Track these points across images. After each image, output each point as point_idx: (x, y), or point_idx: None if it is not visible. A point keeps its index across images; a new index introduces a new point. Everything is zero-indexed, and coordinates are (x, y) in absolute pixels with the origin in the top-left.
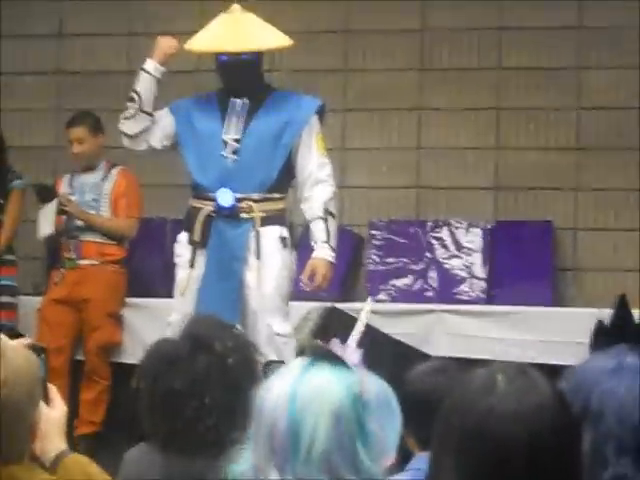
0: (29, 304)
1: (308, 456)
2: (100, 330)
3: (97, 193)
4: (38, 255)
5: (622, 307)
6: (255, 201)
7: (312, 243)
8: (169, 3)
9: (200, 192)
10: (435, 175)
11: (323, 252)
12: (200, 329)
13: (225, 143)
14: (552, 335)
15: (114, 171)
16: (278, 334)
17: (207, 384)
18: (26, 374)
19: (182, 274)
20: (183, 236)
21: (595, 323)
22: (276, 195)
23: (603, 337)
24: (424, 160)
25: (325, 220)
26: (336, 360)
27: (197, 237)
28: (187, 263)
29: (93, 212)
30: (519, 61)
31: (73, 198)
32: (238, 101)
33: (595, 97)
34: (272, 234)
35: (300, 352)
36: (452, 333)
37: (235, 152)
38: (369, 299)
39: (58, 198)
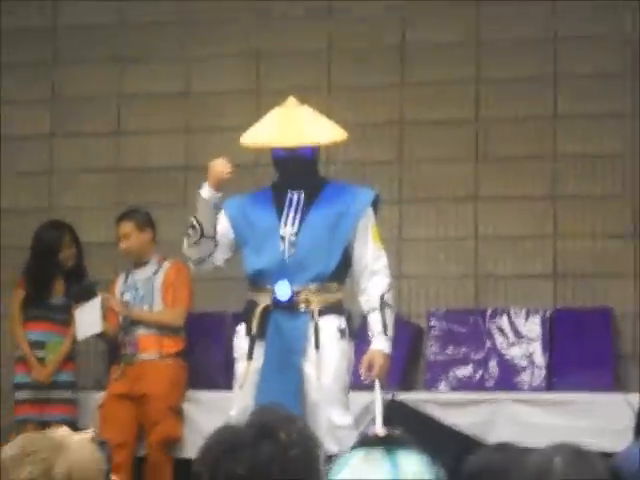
0: (90, 400)
1: None
2: (161, 425)
3: (149, 288)
4: (100, 351)
5: None
6: (313, 292)
7: (369, 334)
8: (225, 98)
9: (257, 285)
10: (493, 263)
11: (380, 343)
12: (266, 418)
13: (282, 237)
14: (614, 422)
15: (165, 264)
16: (338, 426)
17: (269, 473)
18: (91, 467)
19: (241, 367)
20: (241, 328)
21: (638, 406)
22: (334, 286)
23: None
24: (482, 248)
25: (382, 311)
26: (410, 447)
27: (255, 329)
28: (245, 355)
29: (146, 307)
30: (574, 148)
31: (127, 295)
32: (295, 194)
33: None
34: (330, 325)
35: (368, 442)
36: (513, 422)
37: (292, 245)
38: (376, 382)
39: (101, 296)
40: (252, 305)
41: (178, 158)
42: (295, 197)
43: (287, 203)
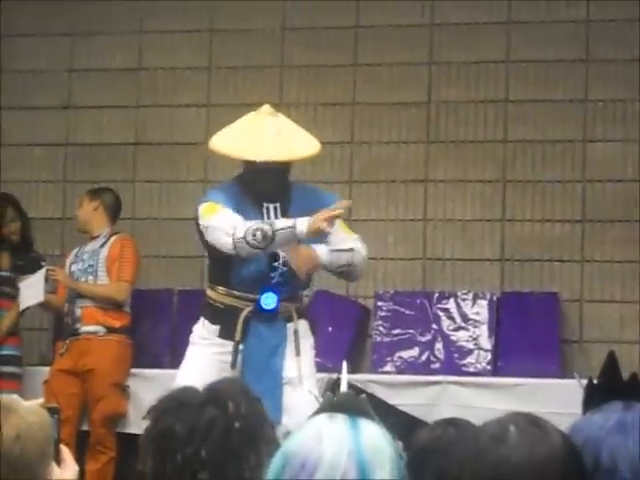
0: (36, 375)
1: None
2: (105, 400)
3: (94, 260)
4: (45, 326)
5: (611, 365)
6: (289, 301)
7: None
8: (177, 75)
9: (240, 291)
10: (441, 247)
11: (322, 251)
12: (222, 387)
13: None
14: (558, 407)
15: (112, 238)
16: (317, 397)
17: (207, 437)
18: (39, 432)
19: (201, 356)
20: (210, 328)
21: (587, 382)
22: (306, 291)
23: (595, 395)
24: (430, 232)
25: (344, 252)
26: (372, 416)
27: (239, 337)
28: (204, 344)
29: (91, 278)
30: (525, 134)
31: (74, 267)
32: (272, 207)
33: (600, 170)
34: (303, 325)
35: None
36: (458, 405)
37: (284, 261)
38: (344, 364)
39: (45, 268)
40: (232, 311)
41: (128, 134)
42: (272, 210)
43: (265, 216)
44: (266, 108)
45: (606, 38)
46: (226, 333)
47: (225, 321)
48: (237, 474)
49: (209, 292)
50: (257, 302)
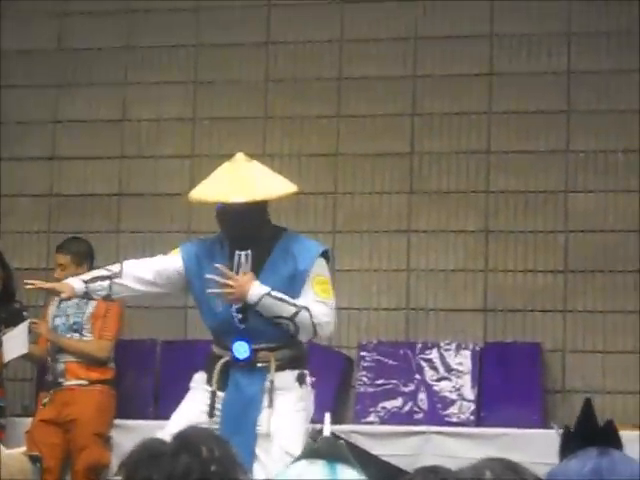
0: (18, 426)
1: None
2: (88, 451)
3: (79, 316)
4: (28, 377)
5: (588, 412)
6: (272, 350)
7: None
8: (161, 126)
9: (217, 340)
10: (424, 297)
11: (261, 287)
12: (192, 433)
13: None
14: (541, 457)
15: None
16: (291, 454)
17: None
18: (20, 478)
19: (190, 401)
20: (202, 375)
21: (563, 429)
22: (292, 341)
23: (572, 441)
24: (413, 282)
25: (292, 306)
26: (352, 462)
27: (214, 386)
28: (207, 410)
29: (76, 335)
30: (507, 184)
31: (57, 320)
32: (243, 254)
33: (582, 220)
34: (287, 378)
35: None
36: (441, 455)
37: (242, 310)
38: (327, 414)
39: (28, 321)
40: (214, 358)
41: (113, 185)
42: (243, 257)
43: (236, 263)
44: (240, 156)
45: (587, 89)
46: (210, 381)
47: (210, 369)
48: None
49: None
50: (231, 351)
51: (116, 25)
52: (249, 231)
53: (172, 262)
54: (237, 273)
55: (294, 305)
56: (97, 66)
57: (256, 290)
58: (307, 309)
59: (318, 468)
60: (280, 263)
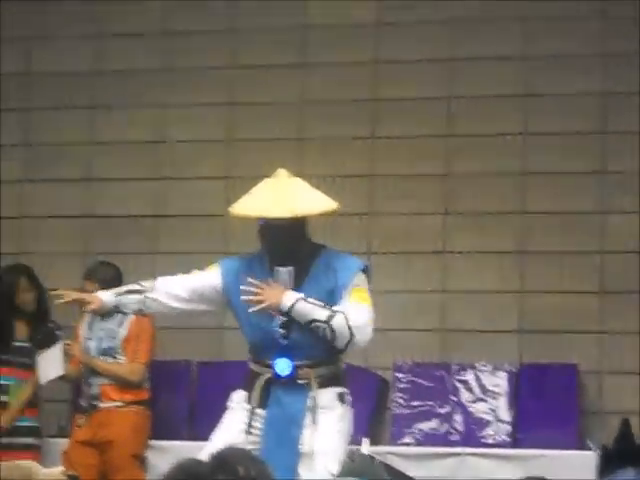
0: (54, 446)
1: None
2: (124, 472)
3: (112, 340)
4: (64, 397)
5: (625, 432)
6: (312, 367)
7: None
8: (197, 147)
9: (257, 357)
10: (460, 318)
11: (293, 294)
12: (228, 454)
13: (274, 316)
14: (577, 478)
15: (130, 316)
16: (332, 473)
17: None
18: None
19: (229, 420)
20: (241, 395)
21: (600, 448)
22: (333, 357)
23: (609, 461)
24: (449, 303)
25: (328, 309)
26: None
27: (255, 403)
28: (244, 428)
29: (110, 359)
30: (542, 205)
31: (90, 343)
32: (282, 269)
33: (618, 241)
34: (328, 394)
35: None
36: (477, 477)
37: (285, 326)
38: (364, 439)
39: (62, 342)
40: (253, 375)
41: (149, 206)
42: (282, 273)
43: (275, 278)
44: (281, 171)
45: (623, 109)
46: (250, 399)
47: (250, 387)
48: None
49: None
50: (273, 368)
51: (153, 46)
52: (290, 247)
53: (209, 278)
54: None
55: (329, 309)
56: (133, 87)
57: (290, 295)
58: (343, 312)
59: None
60: (322, 278)
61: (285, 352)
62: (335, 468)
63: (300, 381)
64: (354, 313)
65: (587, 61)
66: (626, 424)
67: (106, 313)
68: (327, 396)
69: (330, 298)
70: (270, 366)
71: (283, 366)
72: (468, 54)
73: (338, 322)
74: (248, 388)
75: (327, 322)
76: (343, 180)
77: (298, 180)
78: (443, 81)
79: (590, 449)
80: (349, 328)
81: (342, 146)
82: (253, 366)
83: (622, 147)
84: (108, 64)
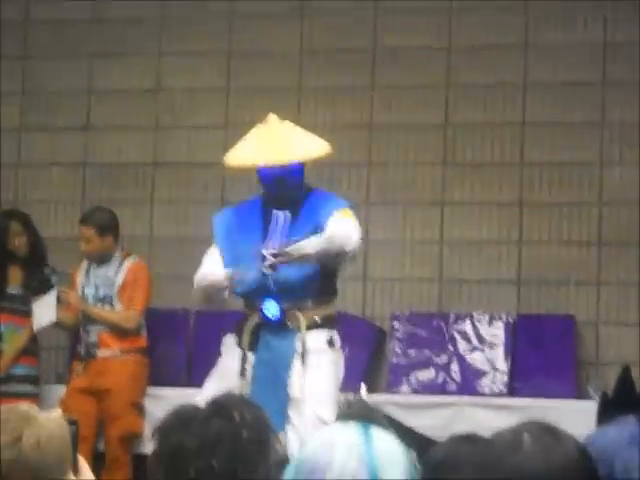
0: (52, 394)
1: None
2: (121, 420)
3: (109, 289)
4: (62, 345)
5: (626, 379)
6: (301, 309)
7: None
8: (196, 96)
9: (247, 302)
10: (458, 268)
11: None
12: (224, 399)
13: (265, 258)
14: (573, 428)
15: (126, 263)
16: (326, 421)
17: (216, 448)
18: (58, 440)
19: (222, 365)
20: (232, 338)
21: (600, 396)
22: (322, 300)
23: (609, 409)
24: (447, 253)
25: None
26: (385, 425)
27: (245, 346)
28: (229, 353)
29: (106, 306)
30: (542, 156)
31: (87, 290)
32: (281, 215)
33: (617, 192)
34: (318, 338)
35: (347, 416)
36: (473, 426)
37: (274, 267)
38: (362, 385)
39: (57, 289)
40: (244, 320)
41: (147, 155)
42: (281, 217)
43: (273, 223)
44: (272, 117)
45: (623, 60)
46: (241, 342)
47: (241, 331)
48: None
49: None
50: (262, 312)
51: None
52: (288, 191)
53: (218, 258)
54: (274, 232)
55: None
56: (132, 36)
57: (312, 242)
58: (328, 226)
59: (352, 430)
60: (311, 217)
61: (274, 296)
62: (324, 413)
63: (289, 325)
64: (338, 223)
65: (588, 10)
66: (627, 371)
67: (103, 260)
68: (316, 340)
69: (314, 234)
70: (259, 310)
71: (271, 309)
72: (469, 3)
73: (325, 234)
74: (239, 332)
75: (339, 245)
76: (342, 130)
77: (289, 124)
78: (443, 30)
79: (591, 396)
80: (334, 236)
81: (341, 96)
82: (244, 310)
83: (622, 98)
84: (107, 12)
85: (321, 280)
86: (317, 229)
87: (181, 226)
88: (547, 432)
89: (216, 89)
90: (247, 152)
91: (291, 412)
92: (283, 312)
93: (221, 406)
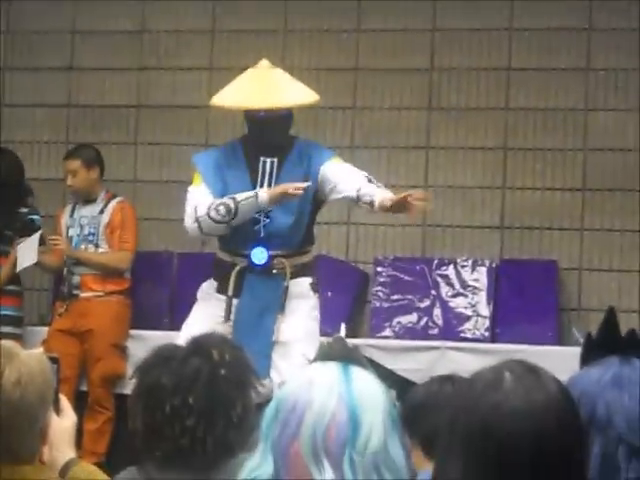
0: (35, 335)
1: (364, 452)
2: (104, 361)
3: (94, 227)
4: (45, 286)
5: (610, 320)
6: (286, 256)
7: (368, 199)
8: (180, 38)
9: (232, 248)
10: (441, 213)
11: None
12: (204, 338)
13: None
14: (555, 374)
15: (112, 203)
16: (308, 358)
17: (193, 386)
18: (39, 377)
19: (200, 310)
20: (212, 285)
21: (585, 336)
22: (305, 247)
23: (593, 350)
24: (431, 198)
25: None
26: (365, 364)
27: (231, 292)
28: (220, 318)
29: (91, 246)
30: (527, 102)
31: (71, 231)
32: (268, 161)
33: (601, 138)
34: (302, 284)
35: (326, 356)
36: (455, 370)
37: (265, 214)
38: (342, 324)
39: (41, 231)
40: (227, 266)
41: (131, 97)
42: (268, 164)
43: (260, 170)
44: (264, 62)
45: (609, 7)
46: (223, 288)
47: (223, 277)
48: (225, 420)
49: (217, 250)
50: (249, 257)
51: None
52: (277, 138)
53: (206, 190)
54: (262, 178)
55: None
56: None
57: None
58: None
59: (332, 369)
60: (297, 165)
61: (261, 242)
62: (312, 353)
63: (275, 271)
64: (356, 172)
65: None
66: (611, 312)
67: (87, 200)
68: (301, 285)
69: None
70: (245, 256)
71: (259, 255)
72: None
73: (383, 188)
74: (219, 278)
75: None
76: (327, 73)
77: (280, 71)
78: None
79: (575, 340)
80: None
81: (327, 39)
82: (224, 255)
83: (608, 44)
84: None
85: (306, 228)
86: (306, 177)
87: (164, 169)
88: (529, 371)
89: (201, 31)
90: (239, 94)
91: (275, 356)
92: (270, 258)
93: (200, 345)
